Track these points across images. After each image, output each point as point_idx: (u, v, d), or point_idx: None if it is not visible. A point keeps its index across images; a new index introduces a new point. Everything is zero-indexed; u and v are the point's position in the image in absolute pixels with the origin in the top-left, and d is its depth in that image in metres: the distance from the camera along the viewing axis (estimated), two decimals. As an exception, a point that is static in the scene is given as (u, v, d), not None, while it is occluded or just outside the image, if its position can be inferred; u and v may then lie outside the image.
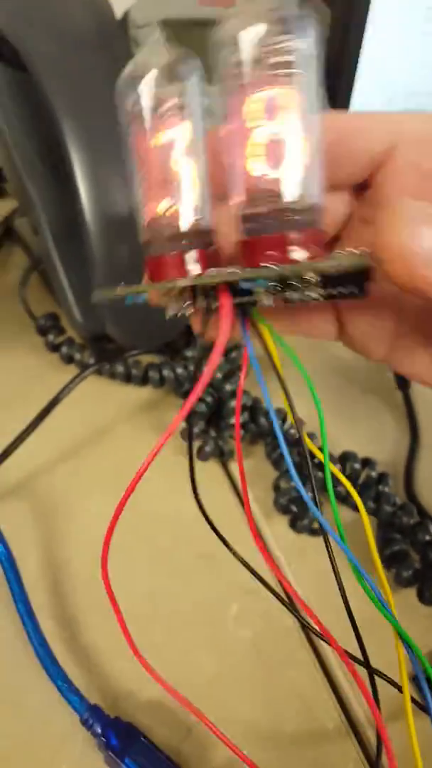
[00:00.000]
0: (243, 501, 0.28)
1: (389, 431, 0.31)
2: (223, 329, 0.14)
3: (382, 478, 0.27)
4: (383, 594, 0.17)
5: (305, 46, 0.14)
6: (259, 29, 0.13)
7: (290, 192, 0.14)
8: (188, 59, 0.15)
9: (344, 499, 0.27)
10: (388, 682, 0.18)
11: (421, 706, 0.18)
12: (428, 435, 0.31)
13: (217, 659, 0.22)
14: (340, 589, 0.16)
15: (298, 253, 0.13)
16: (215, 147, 0.17)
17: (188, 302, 0.16)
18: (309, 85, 0.14)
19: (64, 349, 0.31)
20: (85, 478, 0.28)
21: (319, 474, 0.27)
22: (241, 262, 0.15)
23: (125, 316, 0.30)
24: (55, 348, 0.31)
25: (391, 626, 0.17)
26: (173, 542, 0.26)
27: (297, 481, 0.18)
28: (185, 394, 0.31)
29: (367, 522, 0.17)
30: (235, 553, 0.19)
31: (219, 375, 0.31)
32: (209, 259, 0.15)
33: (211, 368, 0.14)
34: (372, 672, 0.17)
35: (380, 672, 0.18)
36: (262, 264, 0.14)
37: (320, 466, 0.27)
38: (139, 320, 0.30)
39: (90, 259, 0.28)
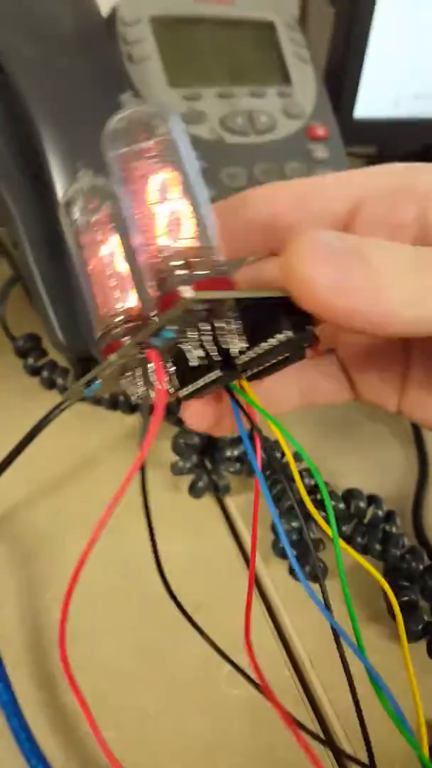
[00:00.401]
0: (240, 542, 0.26)
1: (397, 462, 0.29)
2: (160, 391, 0.15)
3: (390, 516, 0.25)
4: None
5: (167, 133, 0.15)
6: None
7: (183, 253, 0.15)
8: (104, 184, 0.17)
9: (348, 539, 0.25)
10: None
11: None
12: (438, 466, 0.29)
13: (211, 723, 0.20)
14: (351, 688, 0.14)
15: (188, 293, 0.13)
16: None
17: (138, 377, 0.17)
18: (184, 163, 0.15)
19: (45, 373, 0.28)
20: (68, 516, 0.26)
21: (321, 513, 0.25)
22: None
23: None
24: (35, 371, 0.28)
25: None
26: (163, 591, 0.24)
27: (285, 542, 0.17)
28: (177, 422, 0.28)
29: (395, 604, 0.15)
30: (202, 633, 0.19)
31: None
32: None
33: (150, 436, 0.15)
34: None
35: None
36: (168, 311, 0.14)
37: (320, 505, 0.25)
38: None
39: (72, 273, 0.26)
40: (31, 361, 0.28)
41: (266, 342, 0.14)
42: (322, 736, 0.20)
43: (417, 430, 0.30)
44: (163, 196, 0.15)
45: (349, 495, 0.25)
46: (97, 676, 0.21)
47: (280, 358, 0.16)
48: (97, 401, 0.29)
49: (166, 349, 0.16)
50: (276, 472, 0.26)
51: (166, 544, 0.25)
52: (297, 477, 0.20)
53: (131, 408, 0.29)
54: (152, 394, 0.16)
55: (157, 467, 0.28)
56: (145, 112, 0.15)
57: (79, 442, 0.28)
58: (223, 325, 0.15)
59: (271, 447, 0.28)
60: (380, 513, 0.25)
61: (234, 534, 0.26)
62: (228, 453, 0.27)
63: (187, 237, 0.15)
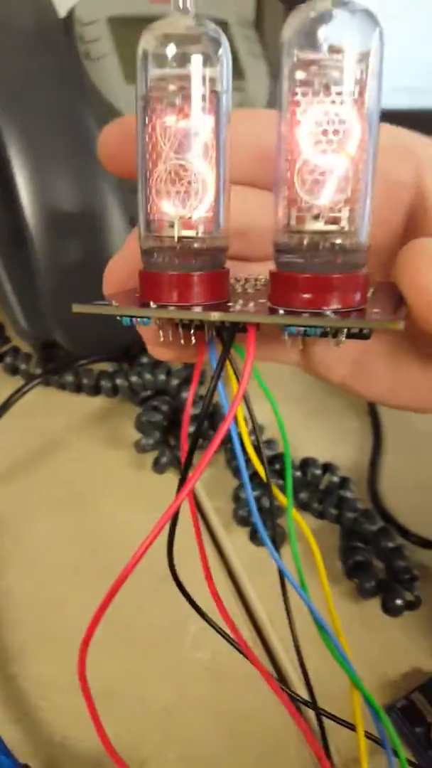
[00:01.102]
0: (203, 515, 0.27)
1: (353, 433, 0.30)
2: (246, 373, 0.13)
3: (344, 483, 0.26)
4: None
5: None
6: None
7: (344, 226, 0.13)
8: (221, 37, 0.14)
9: (305, 505, 0.26)
10: (338, 722, 0.17)
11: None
12: (392, 437, 0.30)
13: (175, 686, 0.21)
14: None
15: (336, 304, 0.12)
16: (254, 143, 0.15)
17: (189, 334, 0.15)
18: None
19: (8, 359, 0.29)
20: (33, 497, 0.26)
21: (279, 481, 0.26)
22: (271, 293, 0.13)
23: (76, 322, 0.28)
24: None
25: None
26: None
27: (253, 508, 0.17)
28: (142, 402, 0.29)
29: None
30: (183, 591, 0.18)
31: (175, 382, 0.29)
32: (221, 284, 0.14)
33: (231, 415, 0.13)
34: (319, 712, 0.16)
35: (328, 713, 0.17)
36: (295, 309, 0.13)
37: (279, 474, 0.26)
38: (91, 326, 0.28)
39: (33, 259, 0.27)
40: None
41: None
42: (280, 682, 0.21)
43: (372, 403, 0.31)
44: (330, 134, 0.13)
45: (305, 464, 0.26)
46: (65, 644, 0.22)
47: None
48: (61, 385, 0.29)
49: None
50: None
51: (132, 519, 0.26)
52: (249, 447, 0.20)
53: (96, 390, 0.29)
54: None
55: (121, 446, 0.28)
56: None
57: (44, 424, 0.29)
58: None
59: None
60: (335, 479, 0.26)
61: (198, 506, 0.27)
62: (191, 429, 0.28)
63: (337, 202, 0.13)
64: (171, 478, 0.28)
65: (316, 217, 0.13)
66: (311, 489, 0.26)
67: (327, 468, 0.26)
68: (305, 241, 0.13)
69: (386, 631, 0.23)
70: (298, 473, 0.26)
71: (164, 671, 0.21)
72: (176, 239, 0.13)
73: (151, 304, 0.13)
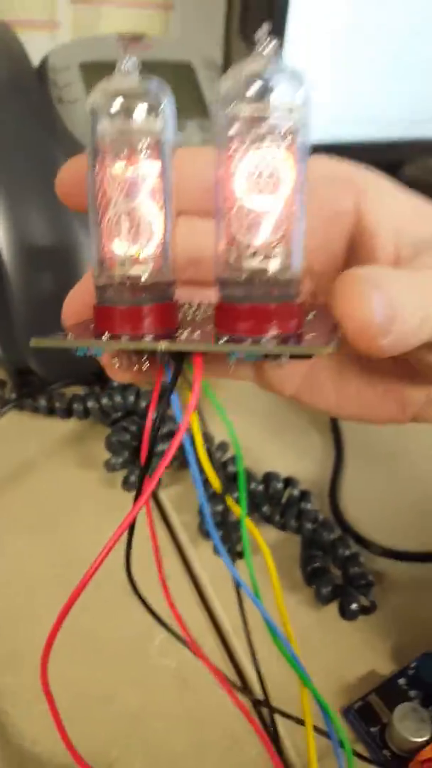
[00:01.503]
0: (170, 529, 0.28)
1: (316, 448, 0.32)
2: (195, 393, 0.15)
3: (304, 495, 0.27)
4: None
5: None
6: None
7: (278, 262, 0.14)
8: (164, 90, 0.15)
9: (268, 518, 0.27)
10: (288, 718, 0.18)
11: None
12: (353, 452, 0.32)
13: (141, 692, 0.22)
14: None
15: (273, 330, 0.14)
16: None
17: (143, 359, 0.16)
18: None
19: (-11, 386, 0.31)
20: (7, 517, 0.28)
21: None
22: (216, 322, 0.15)
23: (48, 350, 0.30)
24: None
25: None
26: (102, 578, 0.26)
27: (209, 520, 0.18)
28: (112, 423, 0.31)
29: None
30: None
31: (144, 404, 0.31)
32: (169, 315, 0.15)
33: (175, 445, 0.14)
34: (270, 709, 0.17)
35: (279, 709, 0.18)
36: (237, 335, 0.14)
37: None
38: (63, 353, 0.30)
39: (8, 290, 0.28)
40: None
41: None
42: (240, 686, 0.22)
43: (334, 420, 0.32)
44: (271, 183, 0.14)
45: (268, 478, 0.28)
46: (37, 656, 0.23)
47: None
48: (35, 408, 0.31)
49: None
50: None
51: (103, 535, 0.27)
52: (206, 462, 0.21)
53: (68, 413, 0.31)
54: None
55: (93, 466, 0.30)
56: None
57: (17, 448, 0.30)
58: None
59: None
60: (296, 493, 0.27)
61: (165, 522, 0.28)
62: (160, 448, 0.29)
63: (271, 241, 0.14)
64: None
65: (253, 255, 0.14)
66: (273, 502, 0.27)
67: (288, 482, 0.28)
68: (243, 276, 0.14)
69: (344, 636, 0.24)
70: (261, 487, 0.27)
71: (131, 678, 0.22)
72: (126, 277, 0.15)
73: (104, 336, 0.15)
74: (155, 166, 0.15)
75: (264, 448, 0.31)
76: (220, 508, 0.27)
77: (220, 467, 0.29)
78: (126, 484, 0.28)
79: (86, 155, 0.16)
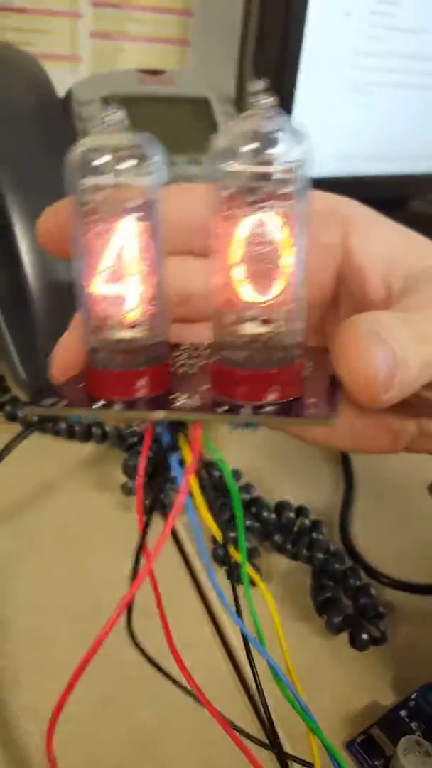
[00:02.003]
0: (184, 557, 0.28)
1: (326, 479, 0.33)
2: (194, 458, 0.14)
3: (316, 525, 0.28)
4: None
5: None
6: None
7: (278, 326, 0.14)
8: (152, 146, 0.14)
9: (280, 547, 0.28)
10: (297, 761, 0.19)
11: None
12: (363, 483, 0.32)
13: (158, 715, 0.23)
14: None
15: (274, 395, 0.13)
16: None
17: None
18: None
19: (8, 407, 0.31)
20: (28, 538, 0.28)
21: (256, 524, 0.28)
22: (212, 384, 0.14)
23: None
24: (-3, 407, 0.31)
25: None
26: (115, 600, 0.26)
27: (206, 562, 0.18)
28: (129, 448, 0.32)
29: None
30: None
31: (159, 430, 0.31)
32: (163, 377, 0.15)
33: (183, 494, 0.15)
34: (279, 754, 0.18)
35: (287, 754, 0.18)
36: (235, 401, 0.13)
37: (256, 517, 0.28)
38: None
39: (35, 327, 0.29)
40: (-7, 398, 0.31)
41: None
42: (259, 727, 0.23)
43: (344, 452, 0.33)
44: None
45: (280, 507, 0.28)
46: (55, 675, 0.23)
47: None
48: (56, 431, 0.31)
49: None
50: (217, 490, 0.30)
51: (119, 559, 0.28)
52: (208, 518, 0.20)
53: (87, 437, 0.32)
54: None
55: (110, 489, 0.30)
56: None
57: (38, 469, 0.31)
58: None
59: (209, 467, 0.31)
60: (307, 522, 0.28)
61: (179, 547, 0.29)
62: (173, 473, 0.30)
63: (271, 304, 0.14)
64: (155, 519, 0.30)
65: (252, 319, 0.14)
66: (285, 531, 0.28)
67: (300, 511, 0.28)
68: (241, 341, 0.14)
69: (348, 666, 0.24)
70: (273, 516, 0.28)
71: (149, 702, 0.23)
72: (117, 340, 0.14)
73: (97, 404, 0.14)
74: (144, 223, 0.14)
75: (274, 478, 0.32)
76: (233, 535, 0.28)
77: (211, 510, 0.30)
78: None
79: (65, 203, 0.15)
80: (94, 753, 0.21)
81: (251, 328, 0.14)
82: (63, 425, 0.31)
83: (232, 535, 0.28)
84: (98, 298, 0.14)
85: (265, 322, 0.14)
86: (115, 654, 0.24)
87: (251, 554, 0.27)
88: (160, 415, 0.14)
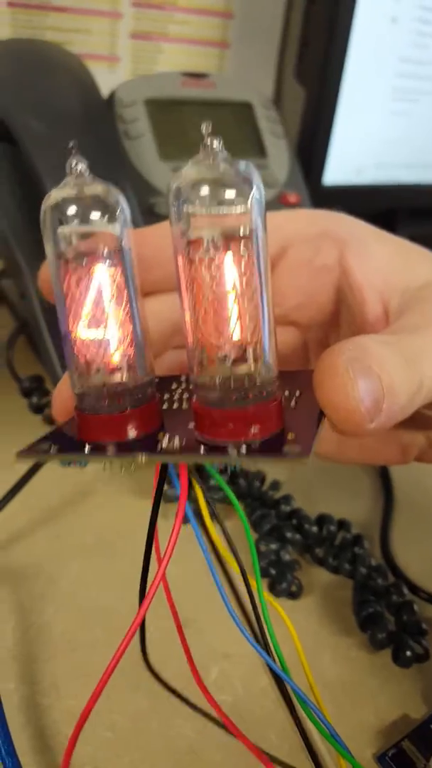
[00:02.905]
0: (224, 564, 0.28)
1: (366, 493, 0.32)
2: (182, 499, 0.15)
3: (358, 539, 0.28)
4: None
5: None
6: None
7: (250, 365, 0.14)
8: (117, 194, 0.15)
9: (321, 561, 0.27)
10: None
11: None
12: (403, 497, 0.32)
13: (198, 726, 0.22)
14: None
15: (254, 431, 0.14)
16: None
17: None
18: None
19: (47, 411, 0.31)
20: (65, 541, 0.28)
21: (297, 536, 0.28)
22: (195, 423, 0.14)
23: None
24: (38, 409, 0.31)
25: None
26: (154, 610, 0.26)
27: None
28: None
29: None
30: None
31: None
32: (151, 416, 0.15)
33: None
34: None
35: None
36: (217, 440, 0.14)
37: (297, 529, 0.28)
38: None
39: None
40: (34, 399, 0.31)
41: None
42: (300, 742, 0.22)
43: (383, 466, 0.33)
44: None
45: (322, 520, 0.28)
46: (93, 680, 0.23)
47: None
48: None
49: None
50: (257, 500, 0.29)
51: (156, 565, 0.28)
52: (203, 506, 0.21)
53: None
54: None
55: (147, 496, 0.30)
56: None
57: (76, 473, 0.31)
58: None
59: (250, 476, 0.31)
60: (349, 536, 0.28)
61: (217, 556, 0.29)
62: (213, 482, 0.30)
63: (240, 343, 0.14)
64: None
65: (224, 359, 0.14)
66: (327, 545, 0.28)
67: (342, 524, 0.28)
68: (216, 381, 0.14)
69: (391, 680, 0.24)
70: (315, 528, 0.28)
71: (187, 712, 0.23)
72: (102, 385, 0.14)
73: (86, 448, 0.14)
74: (116, 269, 0.14)
75: (314, 490, 0.32)
76: (274, 546, 0.27)
77: (273, 504, 0.29)
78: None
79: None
80: (134, 763, 0.21)
81: (221, 369, 0.14)
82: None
83: (273, 546, 0.27)
84: (80, 343, 0.14)
85: (236, 361, 0.14)
86: (156, 665, 0.24)
87: (291, 566, 0.27)
88: (143, 458, 0.14)
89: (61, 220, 0.14)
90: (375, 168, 0.48)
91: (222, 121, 0.41)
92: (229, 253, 0.13)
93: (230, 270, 0.13)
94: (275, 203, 0.39)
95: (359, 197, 0.48)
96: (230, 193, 0.13)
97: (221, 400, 0.14)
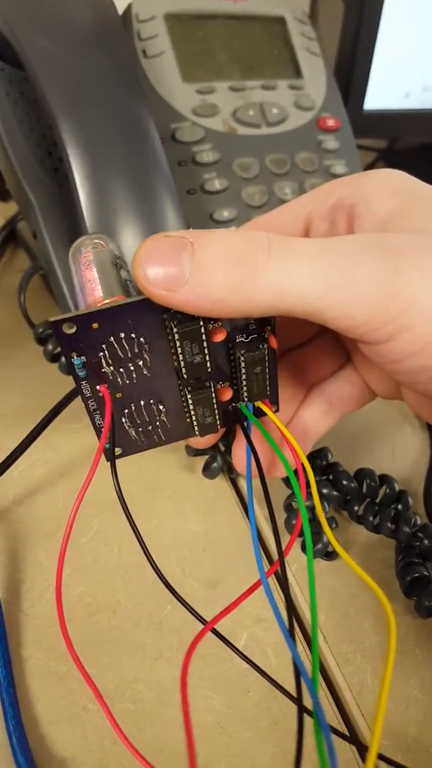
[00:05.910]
0: (252, 521, 0.26)
1: (409, 446, 0.30)
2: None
3: (401, 496, 0.25)
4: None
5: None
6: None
7: None
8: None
9: (360, 518, 0.25)
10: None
11: None
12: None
13: (226, 695, 0.21)
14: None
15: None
16: None
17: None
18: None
19: (63, 359, 0.29)
20: (92, 498, 0.26)
21: (333, 492, 0.26)
22: None
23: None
24: (54, 358, 0.29)
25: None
26: (181, 569, 0.24)
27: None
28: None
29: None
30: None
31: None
32: None
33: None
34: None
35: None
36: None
37: (334, 484, 0.26)
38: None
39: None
40: (50, 348, 0.29)
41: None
42: (334, 711, 0.21)
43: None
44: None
45: (361, 474, 0.26)
46: (114, 647, 0.22)
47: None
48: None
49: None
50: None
51: (183, 523, 0.26)
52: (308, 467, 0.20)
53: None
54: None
55: (173, 449, 0.28)
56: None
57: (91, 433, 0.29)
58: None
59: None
60: (391, 492, 0.25)
61: (246, 513, 0.26)
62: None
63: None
64: (219, 482, 0.28)
65: None
66: (367, 501, 0.25)
67: (384, 480, 0.26)
68: None
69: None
70: (353, 484, 0.25)
71: (216, 682, 0.21)
72: None
73: None
74: None
75: (354, 444, 0.29)
76: (308, 503, 0.25)
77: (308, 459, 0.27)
78: (206, 470, 0.27)
79: None
80: (160, 735, 0.20)
81: None
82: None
83: (307, 503, 0.25)
84: None
85: None
86: (185, 629, 0.22)
87: (328, 524, 0.25)
88: None
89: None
90: (422, 91, 0.43)
91: (251, 38, 0.36)
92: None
93: None
94: (312, 127, 0.35)
95: (405, 124, 0.43)
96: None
97: None
